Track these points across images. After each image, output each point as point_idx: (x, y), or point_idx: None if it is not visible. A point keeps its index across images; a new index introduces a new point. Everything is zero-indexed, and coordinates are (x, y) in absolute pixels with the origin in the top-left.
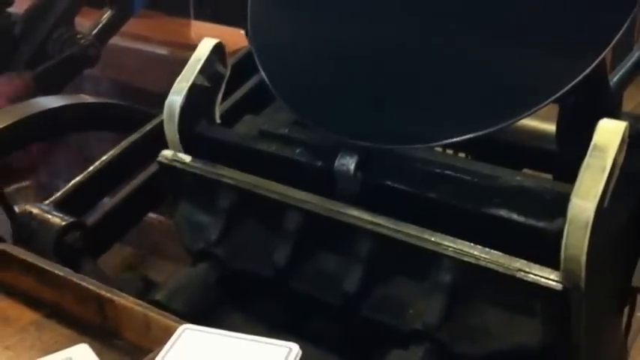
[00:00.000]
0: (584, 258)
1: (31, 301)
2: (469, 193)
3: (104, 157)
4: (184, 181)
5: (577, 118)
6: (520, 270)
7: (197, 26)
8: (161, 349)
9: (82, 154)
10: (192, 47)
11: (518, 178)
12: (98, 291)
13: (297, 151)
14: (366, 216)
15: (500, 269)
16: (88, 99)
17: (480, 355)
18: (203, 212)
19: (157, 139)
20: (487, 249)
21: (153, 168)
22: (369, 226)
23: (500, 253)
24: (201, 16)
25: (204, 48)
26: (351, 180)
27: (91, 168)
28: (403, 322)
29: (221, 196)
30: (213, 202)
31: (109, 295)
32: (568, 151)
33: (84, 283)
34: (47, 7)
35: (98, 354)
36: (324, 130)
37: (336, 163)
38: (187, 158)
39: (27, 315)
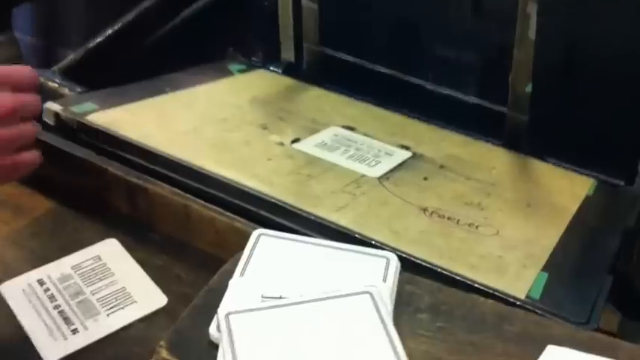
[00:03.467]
0: None
1: (47, 189)
2: None
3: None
4: None
5: None
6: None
7: None
8: (237, 258)
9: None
10: None
11: None
12: (127, 178)
13: None
14: None
15: None
16: None
17: None
18: None
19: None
20: None
21: None
22: None
23: None
24: None
25: None
26: None
27: (98, 40)
28: None
29: None
30: None
31: (140, 182)
32: None
33: (111, 169)
34: None
35: (129, 250)
36: None
37: None
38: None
39: (42, 204)
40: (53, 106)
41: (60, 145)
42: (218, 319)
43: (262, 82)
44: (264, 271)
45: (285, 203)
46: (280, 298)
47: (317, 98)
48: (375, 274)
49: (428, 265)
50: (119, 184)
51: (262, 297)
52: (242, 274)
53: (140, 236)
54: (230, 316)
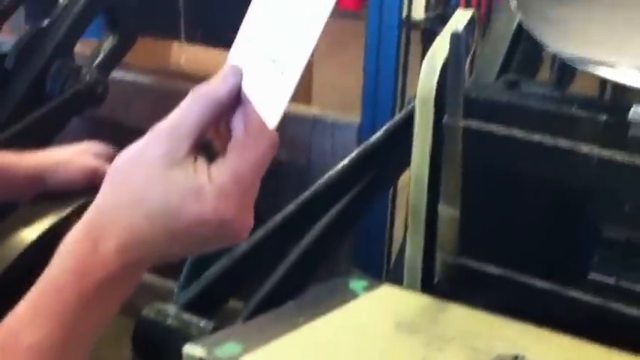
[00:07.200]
0: None
1: None
2: None
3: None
4: None
5: None
6: None
7: (186, 50)
8: None
9: None
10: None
11: None
12: None
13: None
14: None
15: None
16: None
17: None
18: None
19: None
20: None
21: None
22: None
23: None
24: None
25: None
26: None
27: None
28: None
29: None
30: None
31: None
32: None
33: None
34: (43, 36)
35: None
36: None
37: (632, 111)
38: None
39: None
40: (195, 350)
41: None
42: None
43: (395, 302)
44: None
45: None
46: None
47: (465, 319)
48: None
49: None
50: None
51: None
52: None
53: None
54: None
